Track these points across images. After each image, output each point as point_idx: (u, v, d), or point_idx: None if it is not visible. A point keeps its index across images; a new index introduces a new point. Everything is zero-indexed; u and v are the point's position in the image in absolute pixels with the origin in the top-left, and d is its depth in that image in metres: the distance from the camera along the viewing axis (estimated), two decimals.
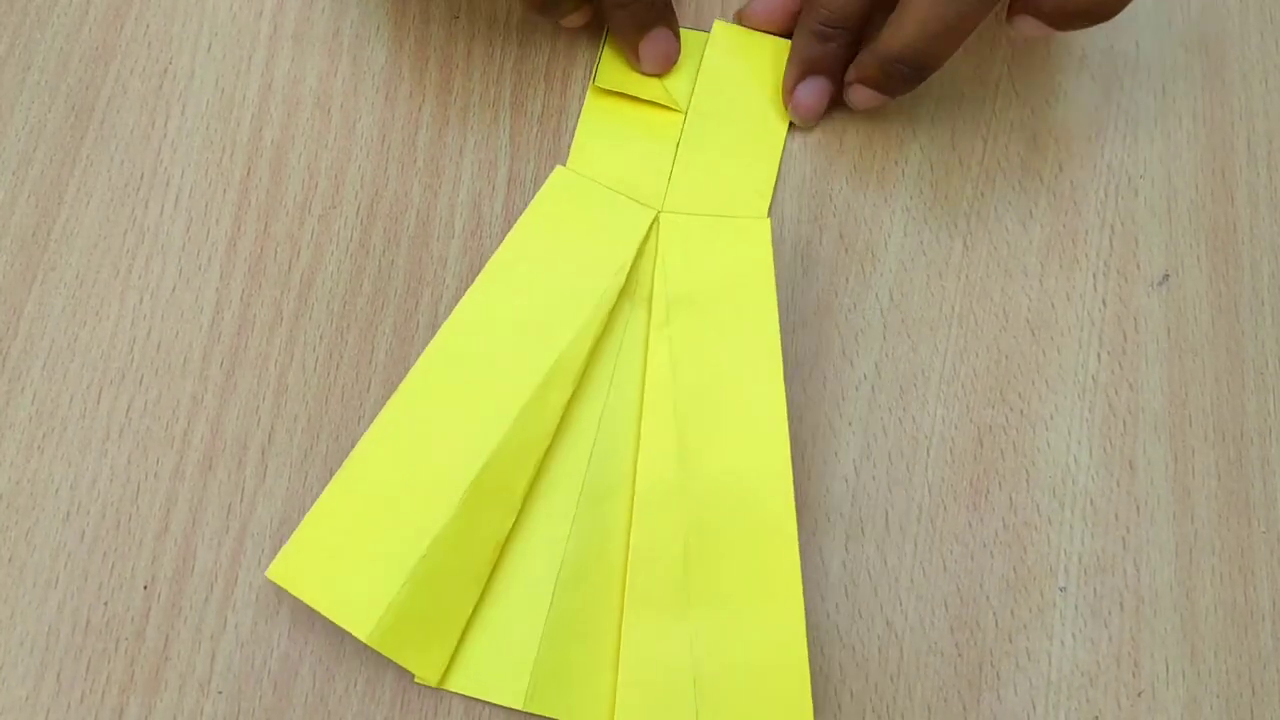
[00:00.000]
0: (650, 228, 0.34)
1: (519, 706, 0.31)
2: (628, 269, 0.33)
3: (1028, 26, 0.34)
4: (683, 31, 0.37)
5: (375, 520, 0.31)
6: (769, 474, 0.32)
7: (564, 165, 0.35)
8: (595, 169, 0.36)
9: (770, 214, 0.36)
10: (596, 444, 0.33)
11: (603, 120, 0.37)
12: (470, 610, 0.31)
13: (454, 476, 0.31)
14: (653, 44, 0.36)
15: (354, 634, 0.30)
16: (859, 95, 0.36)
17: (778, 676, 0.30)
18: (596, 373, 0.33)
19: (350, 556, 0.30)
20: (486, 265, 0.32)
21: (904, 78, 0.35)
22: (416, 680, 0.31)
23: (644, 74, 0.37)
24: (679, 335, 0.33)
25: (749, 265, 0.34)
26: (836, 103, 0.37)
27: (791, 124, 0.37)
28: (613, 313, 0.33)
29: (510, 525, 0.31)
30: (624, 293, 0.33)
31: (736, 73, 0.37)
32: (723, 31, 0.38)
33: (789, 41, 0.37)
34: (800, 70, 0.36)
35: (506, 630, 0.31)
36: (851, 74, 0.36)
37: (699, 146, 0.36)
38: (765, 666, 0.31)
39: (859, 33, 0.36)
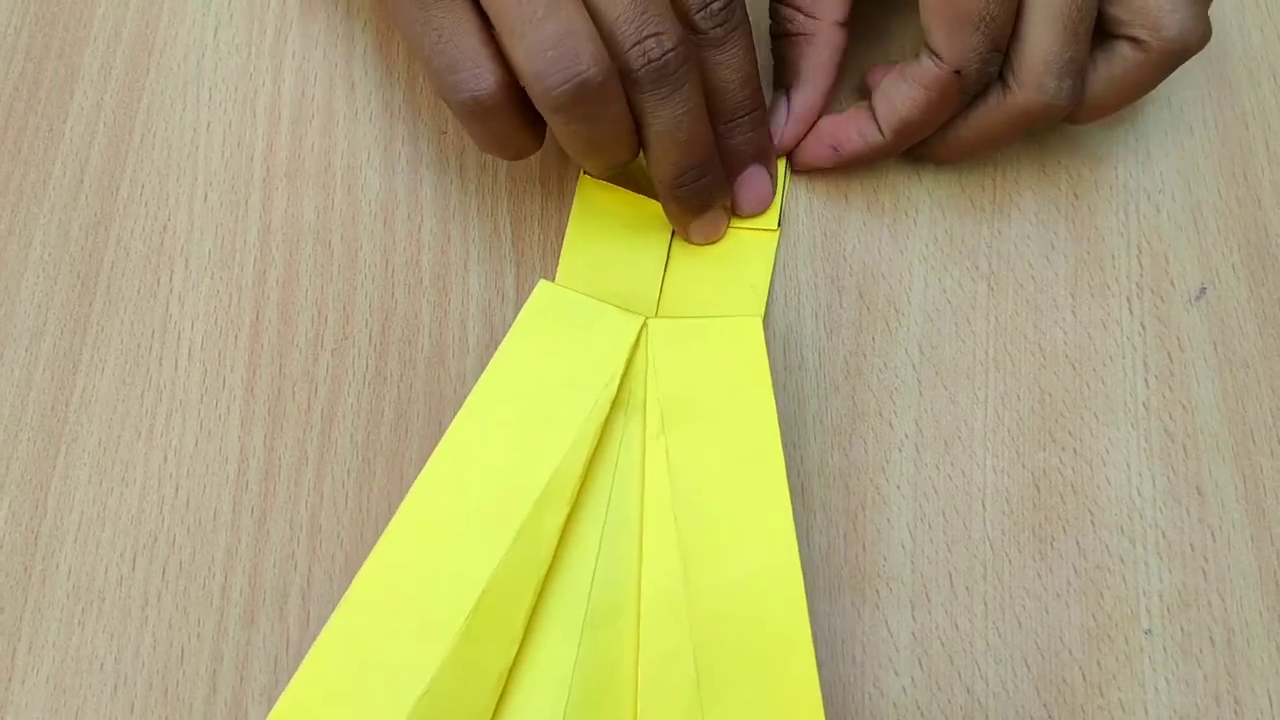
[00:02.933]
0: (639, 335, 0.33)
1: None
2: (618, 380, 0.32)
3: None
4: None
5: (374, 660, 0.29)
6: (778, 579, 0.30)
7: (554, 275, 0.35)
8: (587, 274, 0.35)
9: (771, 301, 0.35)
10: (599, 564, 0.31)
11: (593, 221, 0.36)
12: None
13: (451, 609, 0.29)
14: (705, 225, 0.35)
15: None
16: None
17: None
18: (594, 490, 0.32)
19: (349, 702, 0.29)
20: (473, 388, 0.31)
21: None
22: None
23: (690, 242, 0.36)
24: (675, 443, 0.32)
25: (742, 365, 0.32)
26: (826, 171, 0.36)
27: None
28: (607, 426, 0.32)
29: (513, 655, 0.30)
30: (617, 404, 0.32)
31: None
32: None
33: None
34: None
35: None
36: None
37: (691, 245, 0.36)
38: None
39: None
